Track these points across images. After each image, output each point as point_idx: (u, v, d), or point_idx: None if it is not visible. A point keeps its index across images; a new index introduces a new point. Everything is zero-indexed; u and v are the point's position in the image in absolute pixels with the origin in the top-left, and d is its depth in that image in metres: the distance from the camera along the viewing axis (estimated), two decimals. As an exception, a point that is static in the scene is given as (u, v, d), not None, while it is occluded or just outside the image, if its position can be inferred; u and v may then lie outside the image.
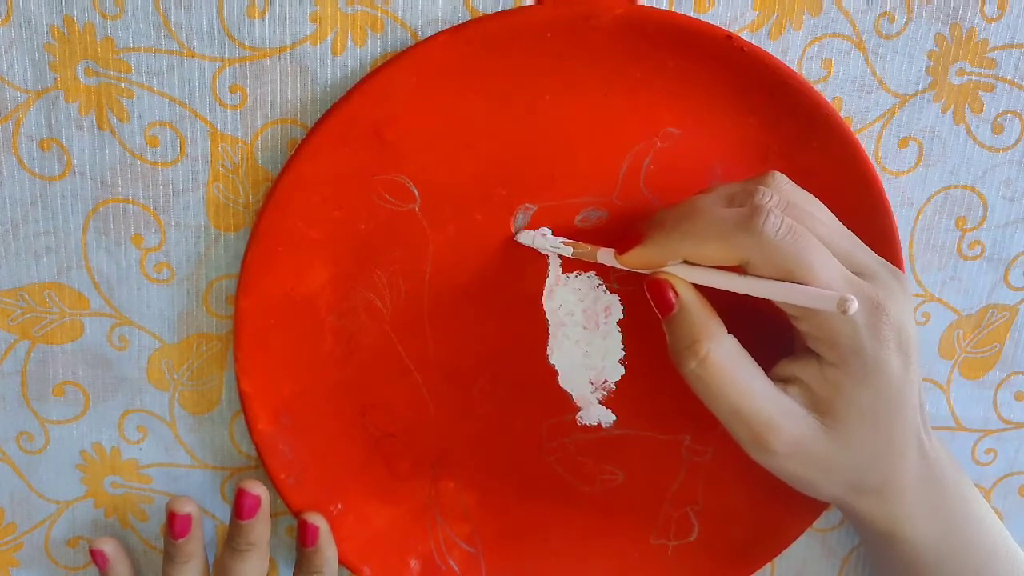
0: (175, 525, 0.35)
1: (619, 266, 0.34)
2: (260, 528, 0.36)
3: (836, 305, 0.29)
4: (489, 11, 0.34)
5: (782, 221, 0.30)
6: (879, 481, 0.34)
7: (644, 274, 0.34)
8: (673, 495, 0.39)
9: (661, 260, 0.32)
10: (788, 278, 0.30)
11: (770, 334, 0.34)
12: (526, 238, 0.36)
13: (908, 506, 0.34)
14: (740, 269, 0.32)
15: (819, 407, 0.32)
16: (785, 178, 0.33)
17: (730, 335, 0.33)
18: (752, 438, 0.32)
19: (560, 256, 0.36)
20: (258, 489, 0.36)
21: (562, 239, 0.35)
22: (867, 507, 0.34)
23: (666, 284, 0.32)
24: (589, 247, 0.34)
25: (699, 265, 0.32)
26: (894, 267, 0.33)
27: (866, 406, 0.32)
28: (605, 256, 0.34)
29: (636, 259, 0.33)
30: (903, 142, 0.37)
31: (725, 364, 0.32)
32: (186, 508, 0.36)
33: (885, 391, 0.32)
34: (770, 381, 0.33)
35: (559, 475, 0.39)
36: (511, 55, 0.34)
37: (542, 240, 0.35)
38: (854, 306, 0.29)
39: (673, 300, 0.32)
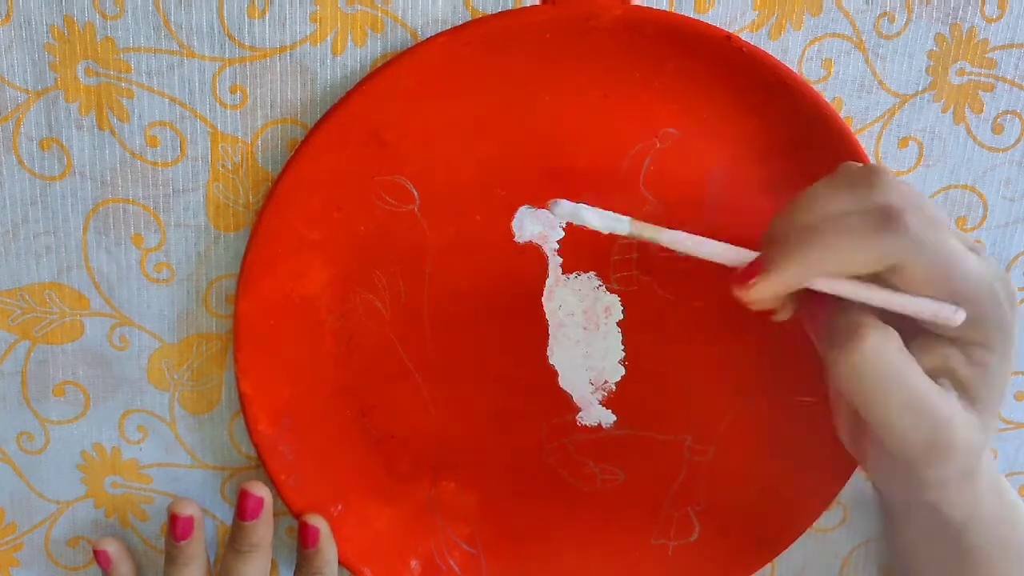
0: (177, 527, 0.35)
1: (687, 252, 0.30)
2: (263, 529, 0.36)
3: (951, 318, 0.28)
4: (489, 11, 0.34)
5: (921, 211, 0.28)
6: (984, 458, 0.32)
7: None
8: (673, 495, 0.39)
9: (798, 284, 0.29)
10: (942, 272, 0.28)
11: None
12: (563, 210, 0.29)
13: (982, 487, 0.32)
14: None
15: (968, 395, 0.30)
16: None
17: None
18: (930, 439, 0.29)
19: (561, 256, 0.36)
20: (261, 490, 0.36)
21: (613, 213, 0.30)
22: (955, 493, 0.32)
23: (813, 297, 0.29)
24: (653, 226, 0.30)
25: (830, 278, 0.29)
26: None
27: (1002, 382, 0.30)
28: (673, 238, 0.30)
29: (769, 292, 0.29)
30: (903, 142, 0.37)
31: (894, 348, 0.28)
32: (188, 510, 0.36)
33: (1012, 365, 0.30)
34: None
35: (559, 475, 0.39)
36: (511, 56, 0.34)
37: (593, 216, 0.29)
38: (961, 317, 0.28)
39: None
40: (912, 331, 0.30)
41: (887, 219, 0.28)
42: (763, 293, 0.29)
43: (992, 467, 0.34)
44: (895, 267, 0.28)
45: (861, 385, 0.28)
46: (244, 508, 0.35)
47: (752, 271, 0.29)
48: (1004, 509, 0.34)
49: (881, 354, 0.28)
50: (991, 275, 0.30)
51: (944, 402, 0.29)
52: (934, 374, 0.30)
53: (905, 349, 0.29)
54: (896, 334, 0.29)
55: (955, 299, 0.29)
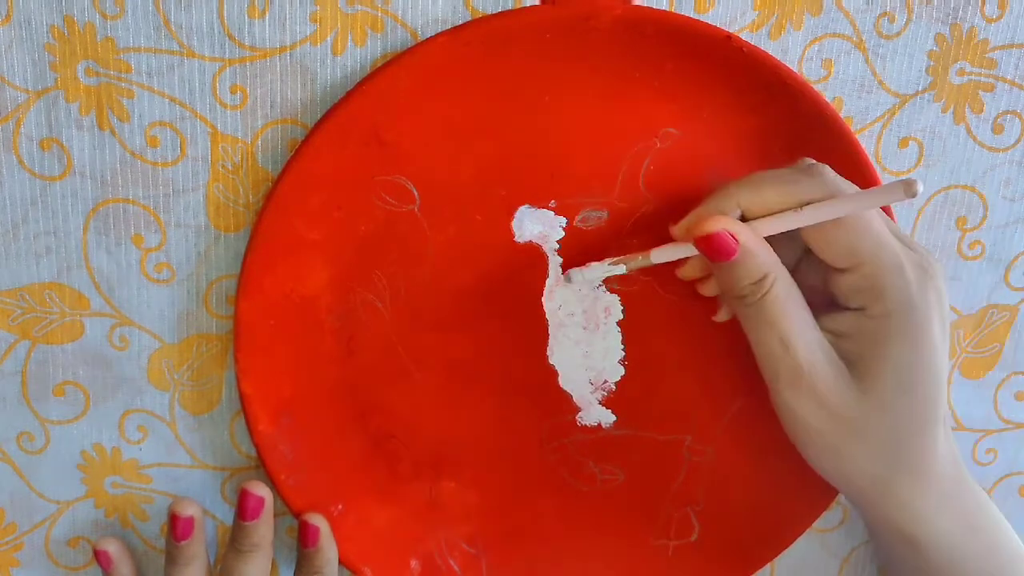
0: (177, 528, 0.35)
1: (677, 257, 0.33)
2: (264, 529, 0.36)
3: (904, 190, 0.29)
4: (489, 11, 0.34)
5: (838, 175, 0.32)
6: (914, 456, 0.32)
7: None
8: (673, 495, 0.39)
9: (723, 213, 0.32)
10: (851, 224, 0.31)
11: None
12: (577, 277, 0.35)
13: (935, 499, 0.33)
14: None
15: (853, 361, 0.32)
16: None
17: (785, 269, 0.32)
18: (794, 370, 0.32)
19: (561, 256, 0.36)
20: (262, 490, 0.36)
21: (609, 260, 0.35)
22: (895, 498, 0.33)
23: (723, 231, 0.31)
24: (640, 256, 0.34)
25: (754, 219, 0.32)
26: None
27: (904, 365, 0.31)
28: (661, 255, 0.34)
29: (693, 217, 0.33)
30: (903, 142, 0.37)
31: (785, 296, 0.32)
32: (188, 510, 0.36)
33: (926, 353, 0.31)
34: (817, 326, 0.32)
35: (559, 475, 0.39)
36: (510, 56, 0.34)
37: (595, 272, 0.35)
38: (920, 186, 0.29)
39: (735, 245, 0.31)
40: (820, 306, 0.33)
41: (808, 168, 0.32)
42: (691, 221, 0.33)
43: (953, 480, 0.33)
44: (808, 204, 0.31)
45: (753, 323, 0.32)
46: (245, 508, 0.35)
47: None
48: (971, 533, 0.34)
49: (770, 297, 0.32)
50: (904, 253, 0.31)
51: (818, 343, 0.32)
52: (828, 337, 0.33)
53: (796, 291, 0.32)
54: (788, 277, 0.32)
55: (857, 259, 0.31)
